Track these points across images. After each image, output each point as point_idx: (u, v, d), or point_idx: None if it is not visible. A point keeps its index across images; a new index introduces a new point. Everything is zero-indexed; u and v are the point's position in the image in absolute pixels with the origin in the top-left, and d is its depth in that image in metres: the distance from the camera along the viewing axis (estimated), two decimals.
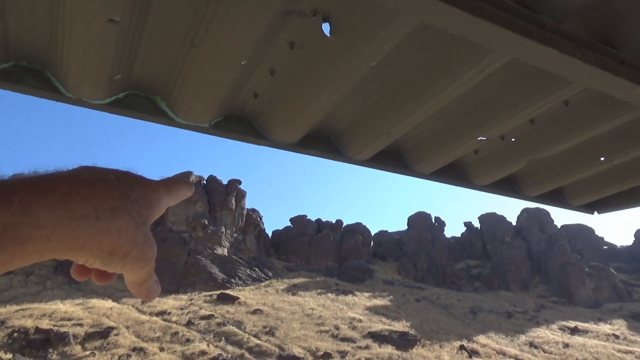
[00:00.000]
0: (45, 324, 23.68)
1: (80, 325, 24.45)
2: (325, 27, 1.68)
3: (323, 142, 2.41)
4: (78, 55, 1.78)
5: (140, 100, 2.08)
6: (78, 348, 21.69)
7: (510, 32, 1.39)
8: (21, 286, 35.07)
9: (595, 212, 3.18)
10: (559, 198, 3.07)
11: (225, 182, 50.83)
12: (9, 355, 19.59)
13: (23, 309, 26.45)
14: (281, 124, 2.20)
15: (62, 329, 23.14)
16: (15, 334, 22.36)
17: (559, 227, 68.44)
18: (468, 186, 2.80)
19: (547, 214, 69.31)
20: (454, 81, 1.85)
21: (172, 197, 0.62)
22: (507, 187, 2.91)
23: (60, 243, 0.45)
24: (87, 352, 21.07)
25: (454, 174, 2.76)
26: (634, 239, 69.05)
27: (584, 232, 68.57)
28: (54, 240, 0.44)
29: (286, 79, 1.99)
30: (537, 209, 69.74)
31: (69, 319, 25.27)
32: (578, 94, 2.03)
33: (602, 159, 2.50)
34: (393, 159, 2.58)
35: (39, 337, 22.09)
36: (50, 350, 21.11)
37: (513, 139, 2.46)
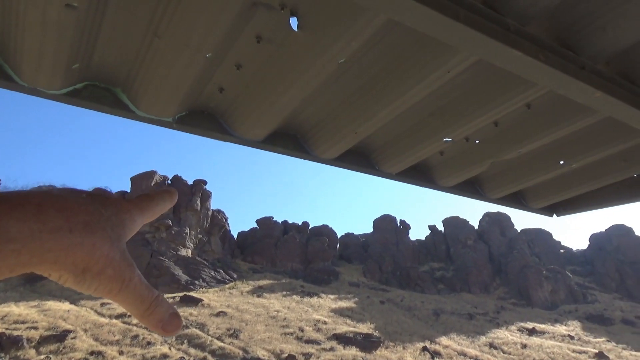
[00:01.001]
0: None
1: (35, 328, 23.50)
2: (293, 22, 1.66)
3: (290, 140, 2.38)
4: (33, 42, 1.69)
5: (100, 92, 2.00)
6: (32, 352, 20.84)
7: (477, 32, 1.41)
8: None
9: (554, 215, 3.27)
10: (520, 200, 3.15)
11: (190, 182, 50.02)
12: None
13: None
14: (247, 120, 2.15)
15: (15, 332, 22.17)
16: None
17: (518, 231, 70.59)
18: (433, 187, 2.83)
19: (508, 218, 71.38)
20: (421, 81, 1.86)
21: (147, 214, 0.60)
22: (470, 188, 2.96)
23: (32, 257, 0.43)
24: (42, 357, 20.26)
25: (420, 174, 2.78)
26: (588, 243, 71.95)
27: (542, 236, 70.93)
28: (26, 254, 0.43)
29: (253, 74, 1.95)
30: (499, 213, 71.71)
31: (23, 322, 24.25)
32: (540, 97, 2.08)
33: (561, 162, 2.57)
34: (359, 158, 2.57)
35: None
36: (2, 354, 20.19)
37: (477, 141, 2.50)
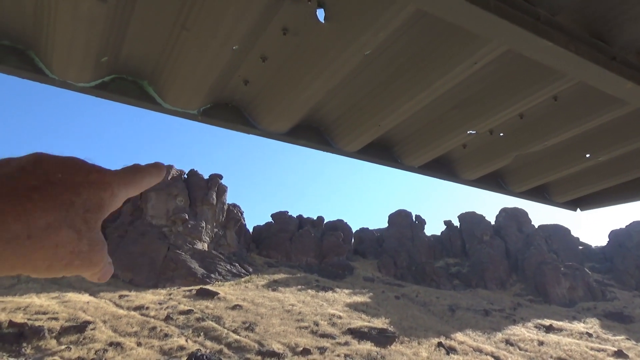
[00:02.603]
0: (19, 318, 23.17)
1: (56, 319, 24.00)
2: (320, 13, 1.66)
3: (313, 133, 2.39)
4: (64, 36, 1.72)
5: (127, 85, 2.03)
6: (53, 342, 21.29)
7: (507, 22, 1.39)
8: None
9: (578, 209, 3.22)
10: (543, 194, 3.11)
11: (206, 176, 50.40)
12: None
13: None
14: (271, 113, 2.17)
15: (37, 323, 22.68)
16: None
17: (536, 227, 69.72)
18: (455, 180, 2.82)
19: (525, 213, 70.52)
20: (447, 72, 1.85)
21: (132, 188, 0.57)
22: (493, 182, 2.93)
23: None
24: (63, 347, 20.69)
25: (442, 167, 2.77)
26: (608, 239, 70.79)
27: (560, 232, 69.97)
28: None
29: (278, 67, 1.96)
30: (515, 208, 70.89)
31: (44, 313, 24.79)
32: (567, 89, 2.05)
33: (587, 155, 2.53)
34: (382, 151, 2.57)
35: (12, 331, 21.60)
36: (25, 344, 20.68)
37: (501, 134, 2.47)
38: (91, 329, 23.13)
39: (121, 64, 1.97)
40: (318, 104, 2.15)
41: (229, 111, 2.20)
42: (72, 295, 29.67)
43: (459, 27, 1.52)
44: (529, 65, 1.91)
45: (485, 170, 2.74)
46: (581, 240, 73.32)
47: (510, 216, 68.97)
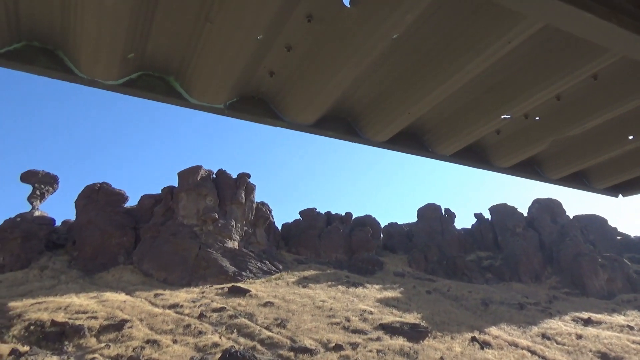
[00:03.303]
0: (60, 317, 23.98)
1: (95, 318, 24.72)
2: None
3: (340, 123, 2.34)
4: (90, 33, 1.73)
5: (154, 81, 2.03)
6: (93, 340, 21.94)
7: None
8: (36, 280, 35.52)
9: (620, 195, 3.08)
10: (582, 180, 2.98)
11: (234, 176, 50.96)
12: (26, 348, 19.88)
13: (39, 303, 26.81)
14: (298, 104, 2.13)
15: (77, 322, 23.41)
16: (32, 327, 22.68)
17: (571, 217, 67.75)
18: (489, 168, 2.73)
19: (559, 204, 68.57)
20: (480, 53, 1.77)
21: None
22: (528, 169, 2.83)
23: None
24: (102, 344, 21.30)
25: (475, 155, 2.68)
26: None
27: (596, 223, 67.80)
28: None
29: (303, 55, 1.92)
30: (549, 199, 69.00)
31: (84, 312, 25.56)
32: (609, 66, 1.94)
33: (630, 137, 2.40)
34: (412, 140, 2.51)
35: (54, 329, 22.38)
36: (66, 342, 21.38)
37: (537, 118, 2.37)
38: (128, 327, 23.72)
39: (147, 60, 1.97)
40: (345, 93, 2.11)
41: (255, 104, 2.18)
42: (109, 295, 30.50)
43: (491, 4, 1.45)
44: (566, 42, 1.82)
45: (521, 157, 2.64)
46: (619, 230, 70.87)
47: (543, 207, 67.20)
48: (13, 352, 19.10)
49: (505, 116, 2.22)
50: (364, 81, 2.07)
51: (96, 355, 19.97)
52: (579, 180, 2.94)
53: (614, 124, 2.37)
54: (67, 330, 22.36)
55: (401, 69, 2.00)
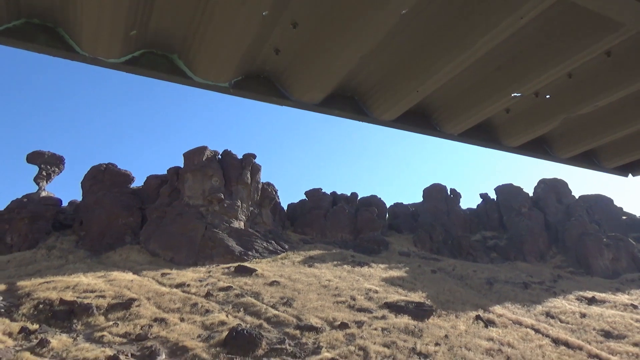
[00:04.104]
0: (69, 296, 24.35)
1: (103, 297, 25.09)
2: None
3: (347, 102, 2.30)
4: (91, 10, 1.69)
5: (157, 59, 2.00)
6: (102, 319, 22.31)
7: None
8: (44, 260, 36.00)
9: (630, 175, 3.04)
10: (592, 160, 2.94)
11: (240, 156, 50.92)
12: (36, 326, 20.25)
13: (47, 282, 27.21)
14: (304, 83, 2.09)
15: (86, 301, 23.77)
16: (41, 306, 23.07)
17: (576, 197, 67.51)
18: (497, 147, 2.69)
19: (565, 184, 68.29)
20: (491, 29, 1.72)
21: None
22: (538, 148, 2.79)
23: None
24: (111, 323, 21.65)
25: (483, 134, 2.64)
26: None
27: (602, 203, 67.54)
28: None
29: (310, 32, 1.87)
30: (555, 179, 68.70)
31: (92, 291, 25.93)
32: (623, 42, 1.88)
33: None
34: (420, 119, 2.46)
35: (63, 308, 22.75)
36: (75, 320, 21.75)
37: (548, 96, 2.32)
38: (136, 306, 24.07)
39: (150, 38, 1.93)
40: (352, 71, 2.06)
41: (261, 83, 2.14)
42: (117, 275, 30.88)
43: None
44: (580, 17, 1.76)
45: (530, 136, 2.59)
46: (625, 210, 70.59)
47: (549, 187, 66.95)
48: (23, 330, 19.47)
49: (515, 94, 2.17)
50: (372, 58, 2.02)
51: (105, 333, 20.32)
52: (589, 159, 2.89)
53: (626, 102, 2.31)
54: (75, 308, 22.73)
55: (410, 46, 1.95)
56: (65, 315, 22.23)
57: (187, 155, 47.88)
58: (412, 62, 2.00)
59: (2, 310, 22.40)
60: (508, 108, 2.41)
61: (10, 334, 19.15)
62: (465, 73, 2.07)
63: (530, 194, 67.42)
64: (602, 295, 38.68)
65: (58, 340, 18.84)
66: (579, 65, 2.03)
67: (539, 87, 2.17)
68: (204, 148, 48.59)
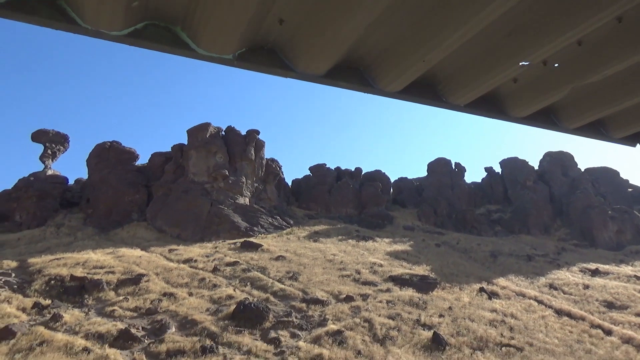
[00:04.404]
0: (79, 272, 24.73)
1: (112, 272, 25.46)
2: None
3: (352, 73, 2.28)
4: None
5: (160, 31, 1.97)
6: (112, 294, 22.68)
7: None
8: (53, 237, 36.47)
9: (638, 144, 3.02)
10: (600, 130, 2.91)
11: (243, 132, 50.79)
12: (48, 301, 20.64)
13: (57, 259, 27.60)
14: (308, 53, 2.07)
15: (96, 277, 24.15)
16: (52, 282, 23.46)
17: (582, 170, 67.18)
18: (504, 118, 2.67)
19: (571, 157, 67.89)
20: None
21: None
22: (545, 119, 2.76)
23: None
24: (121, 297, 22.02)
25: (490, 105, 2.61)
26: None
27: (608, 175, 67.23)
28: None
29: (314, 1, 1.84)
30: (560, 152, 68.29)
31: (101, 267, 26.32)
32: (636, 7, 1.84)
33: None
34: (426, 90, 2.44)
35: (74, 284, 23.13)
36: (86, 296, 22.14)
37: (556, 64, 2.29)
38: (145, 281, 24.43)
39: (152, 10, 1.91)
40: (358, 40, 2.03)
41: (265, 54, 2.12)
42: (125, 251, 31.26)
43: None
44: None
45: (537, 106, 2.57)
46: (631, 182, 70.26)
47: (554, 160, 66.59)
48: (36, 305, 19.86)
49: (523, 63, 2.14)
50: (378, 28, 1.99)
51: (115, 307, 20.70)
52: (597, 129, 2.87)
53: (635, 70, 2.27)
54: (86, 284, 23.12)
55: (417, 14, 1.91)
56: (77, 290, 22.64)
57: (191, 132, 47.83)
58: (419, 30, 1.96)
59: (15, 286, 22.83)
60: (516, 77, 2.37)
61: (24, 309, 19.56)
62: (473, 41, 2.04)
63: (536, 168, 67.13)
64: (606, 267, 38.90)
65: (70, 314, 19.24)
66: (589, 32, 1.99)
67: (547, 55, 2.13)
68: (207, 125, 48.48)
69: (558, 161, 66.49)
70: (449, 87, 2.40)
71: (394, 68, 2.14)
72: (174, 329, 18.48)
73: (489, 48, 2.14)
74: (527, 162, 67.13)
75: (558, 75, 2.32)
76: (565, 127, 2.76)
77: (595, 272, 36.85)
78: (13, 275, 24.67)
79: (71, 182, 49.51)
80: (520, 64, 2.13)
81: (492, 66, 2.18)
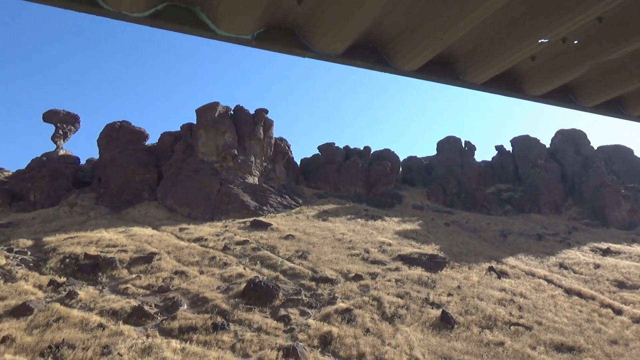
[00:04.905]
0: (93, 251, 25.19)
1: (125, 251, 25.90)
2: None
3: (370, 52, 2.28)
4: None
5: (180, 12, 1.98)
6: (125, 272, 23.12)
7: None
8: (67, 216, 37.04)
9: None
10: (618, 108, 2.89)
11: (252, 111, 50.69)
12: (63, 279, 21.11)
13: (71, 237, 28.10)
14: (326, 33, 2.07)
15: (109, 255, 24.59)
16: (67, 260, 23.95)
17: (595, 148, 66.37)
18: (520, 96, 2.66)
19: (583, 135, 66.99)
20: None
21: None
22: (562, 97, 2.75)
23: None
24: (134, 275, 22.44)
25: (507, 83, 2.60)
26: None
27: (621, 153, 66.33)
28: None
29: None
30: (573, 130, 67.41)
31: (114, 246, 26.77)
32: None
33: None
34: (443, 68, 2.43)
35: (88, 262, 23.59)
36: (100, 274, 22.58)
37: (576, 41, 2.27)
38: (157, 260, 24.84)
39: None
40: (375, 19, 2.03)
41: (283, 34, 2.12)
42: (137, 230, 31.71)
43: None
44: None
45: (555, 84, 2.55)
46: None
47: (567, 138, 65.76)
48: (52, 282, 20.32)
49: (542, 40, 2.12)
50: (396, 6, 1.99)
51: (129, 285, 21.11)
52: (615, 107, 2.85)
53: None
54: (100, 262, 23.55)
55: None
56: (91, 268, 23.09)
57: (200, 112, 47.82)
58: (438, 8, 1.95)
59: (31, 264, 23.33)
60: (534, 55, 2.36)
61: (40, 287, 20.02)
62: (492, 18, 2.03)
63: (548, 146, 66.43)
64: (618, 246, 38.76)
65: (85, 292, 19.67)
66: (611, 8, 1.97)
67: (567, 32, 2.12)
68: (216, 104, 48.41)
69: (570, 139, 65.69)
70: (466, 66, 2.39)
71: (411, 46, 2.14)
72: (185, 307, 18.84)
73: (508, 25, 2.12)
74: (539, 140, 66.40)
75: (577, 52, 2.30)
76: (582, 105, 2.75)
77: (606, 252, 36.75)
78: (29, 253, 25.21)
79: (83, 162, 49.98)
80: (540, 41, 2.12)
81: (511, 44, 2.17)
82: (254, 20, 1.97)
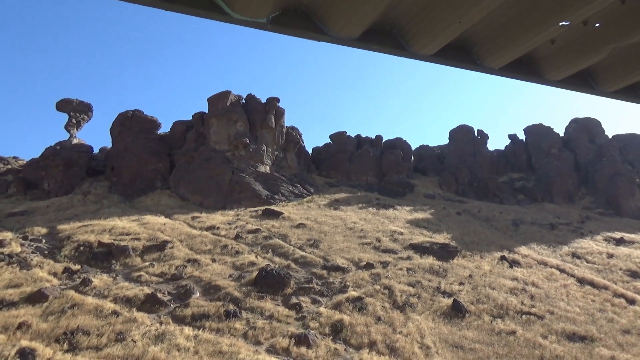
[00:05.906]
0: (106, 239, 25.51)
1: (138, 239, 26.19)
2: None
3: (386, 36, 2.24)
4: None
5: None
6: (138, 260, 23.40)
7: None
8: (80, 205, 37.50)
9: None
10: (639, 93, 2.82)
11: (263, 100, 50.62)
12: (78, 266, 21.44)
13: (85, 225, 28.48)
14: (342, 16, 2.04)
15: (122, 243, 24.89)
16: (81, 248, 24.30)
17: (609, 137, 65.35)
18: (539, 81, 2.61)
19: (598, 123, 65.96)
20: None
21: None
22: (582, 82, 2.69)
23: None
24: (147, 263, 22.72)
25: (525, 68, 2.55)
26: None
27: (636, 142, 65.20)
28: None
29: None
30: (587, 119, 66.38)
31: (127, 234, 27.07)
32: None
33: None
34: (460, 53, 2.39)
35: (102, 250, 23.92)
36: (114, 261, 22.89)
37: (598, 24, 2.21)
38: (170, 248, 25.09)
39: None
40: (392, 2, 1.99)
41: (298, 17, 2.10)
42: (149, 218, 32.03)
43: None
44: None
45: (575, 69, 2.49)
46: None
47: (581, 127, 64.81)
48: (66, 270, 20.65)
49: (563, 23, 2.07)
50: None
51: (142, 273, 21.38)
52: (636, 93, 2.78)
53: None
54: (113, 250, 23.85)
55: None
56: (104, 256, 23.40)
57: (211, 100, 47.90)
58: None
59: (46, 252, 23.72)
60: (554, 38, 2.30)
61: (55, 274, 20.36)
62: (512, 1, 1.98)
63: (561, 135, 65.57)
64: (631, 236, 38.30)
65: (99, 279, 19.96)
66: None
67: (588, 14, 2.06)
68: (227, 92, 48.43)
69: (584, 128, 64.74)
70: (484, 50, 2.34)
71: (428, 30, 2.10)
72: (198, 294, 19.05)
73: (528, 8, 2.07)
74: (552, 129, 65.56)
75: (599, 35, 2.24)
76: (602, 91, 2.69)
77: (620, 241, 36.35)
78: (44, 241, 25.61)
79: (96, 150, 50.46)
80: (560, 24, 2.07)
81: (531, 27, 2.12)
82: (269, 3, 1.95)
